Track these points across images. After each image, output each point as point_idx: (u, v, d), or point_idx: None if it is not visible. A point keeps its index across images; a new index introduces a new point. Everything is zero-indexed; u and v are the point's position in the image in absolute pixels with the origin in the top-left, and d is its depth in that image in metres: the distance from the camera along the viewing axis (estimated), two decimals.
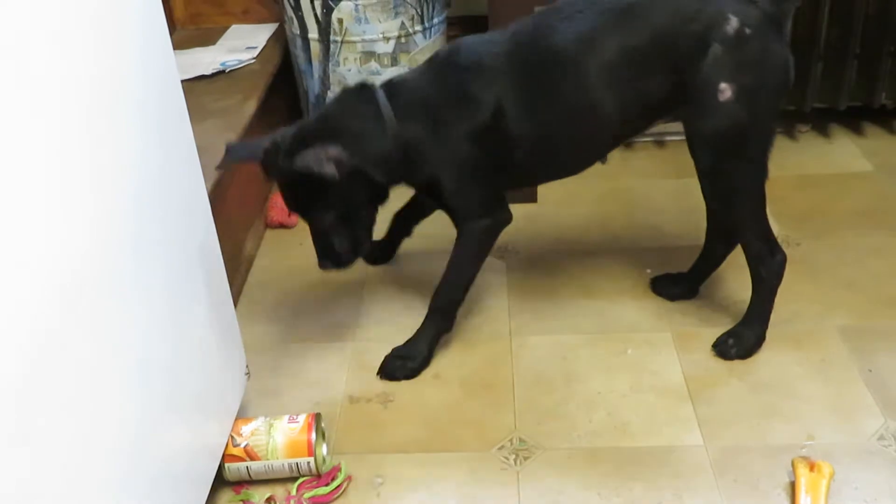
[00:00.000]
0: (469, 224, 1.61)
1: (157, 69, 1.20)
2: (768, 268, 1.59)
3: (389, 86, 1.57)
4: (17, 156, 0.84)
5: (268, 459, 1.42)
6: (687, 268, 1.82)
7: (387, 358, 1.66)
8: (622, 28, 1.47)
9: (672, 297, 1.80)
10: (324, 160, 1.43)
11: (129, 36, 1.11)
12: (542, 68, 1.51)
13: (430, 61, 1.60)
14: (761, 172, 1.53)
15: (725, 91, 1.43)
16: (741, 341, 1.64)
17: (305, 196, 1.52)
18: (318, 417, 1.46)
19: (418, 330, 1.67)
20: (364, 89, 1.56)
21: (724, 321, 1.72)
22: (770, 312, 1.64)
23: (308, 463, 1.43)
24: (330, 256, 1.58)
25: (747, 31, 1.42)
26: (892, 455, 1.42)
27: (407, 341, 1.67)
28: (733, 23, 1.42)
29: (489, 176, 1.57)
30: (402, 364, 1.64)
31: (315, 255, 1.59)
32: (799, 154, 2.34)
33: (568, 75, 1.50)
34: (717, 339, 1.66)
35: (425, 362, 1.66)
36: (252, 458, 1.41)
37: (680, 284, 1.81)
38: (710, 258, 1.77)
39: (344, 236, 1.56)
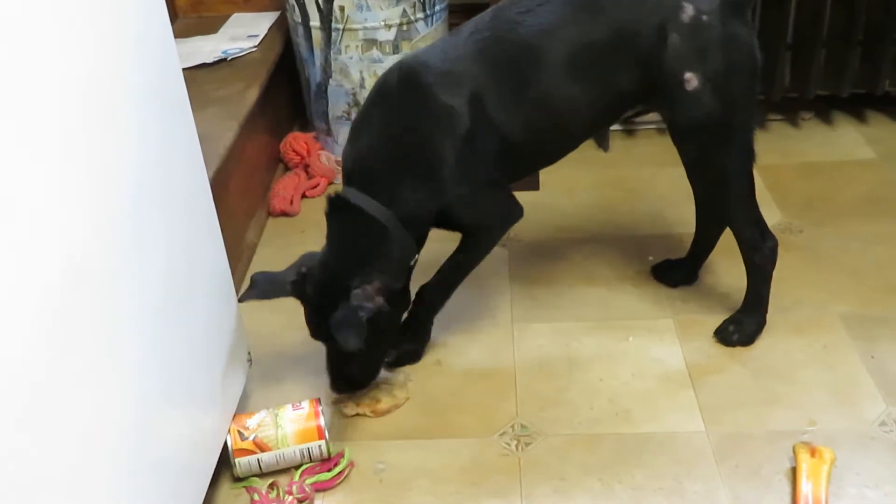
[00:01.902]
0: (483, 231, 1.57)
1: (158, 57, 1.20)
2: (762, 254, 1.59)
3: (361, 178, 1.46)
4: (17, 145, 0.84)
5: (279, 449, 1.42)
6: (689, 272, 1.82)
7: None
8: (584, 22, 1.44)
9: (674, 284, 1.81)
10: (372, 296, 1.41)
11: (130, 24, 1.11)
12: (511, 64, 1.45)
13: (385, 97, 1.48)
14: (748, 158, 1.52)
15: (691, 80, 1.42)
16: (742, 328, 1.64)
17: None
18: (321, 401, 1.47)
19: (413, 316, 1.63)
20: (344, 206, 1.45)
21: (726, 308, 1.72)
22: (767, 297, 1.64)
23: (319, 447, 1.43)
24: (350, 381, 1.54)
25: (704, 17, 1.40)
26: (894, 441, 1.42)
27: (406, 328, 1.64)
28: (688, 10, 1.40)
29: (491, 177, 1.50)
30: (408, 353, 1.64)
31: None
32: (802, 141, 2.33)
33: (536, 69, 1.45)
34: (719, 326, 1.67)
35: (424, 343, 1.67)
36: (262, 450, 1.41)
37: (680, 270, 1.82)
38: (705, 240, 1.77)
39: (369, 359, 1.53)
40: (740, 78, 1.46)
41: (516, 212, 1.58)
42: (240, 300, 1.46)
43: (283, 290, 1.47)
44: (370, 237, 1.44)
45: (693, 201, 1.73)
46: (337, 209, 1.47)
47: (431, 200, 1.47)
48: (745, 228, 1.58)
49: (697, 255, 1.80)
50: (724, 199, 1.57)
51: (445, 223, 1.54)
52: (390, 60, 2.18)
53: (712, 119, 1.46)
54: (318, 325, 1.46)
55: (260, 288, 1.48)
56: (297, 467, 1.44)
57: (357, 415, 1.54)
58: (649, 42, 1.42)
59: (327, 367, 1.53)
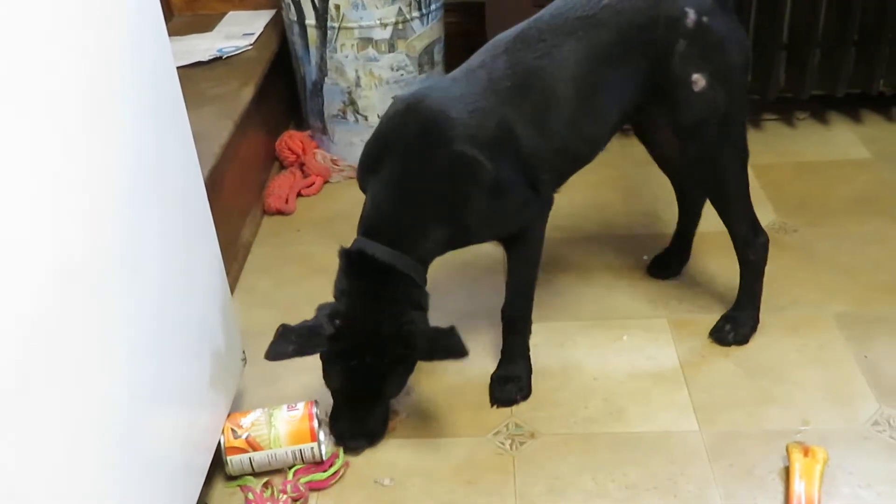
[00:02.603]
0: (520, 237, 1.53)
1: (152, 56, 1.20)
2: (755, 250, 1.61)
3: (385, 231, 1.41)
4: (10, 144, 0.84)
5: (271, 448, 1.42)
6: (683, 252, 1.85)
7: (493, 386, 1.58)
8: (601, 54, 1.44)
9: (672, 275, 1.84)
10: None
11: (124, 23, 1.11)
12: (537, 110, 1.42)
13: (406, 149, 1.41)
14: (744, 152, 1.56)
15: (699, 81, 1.45)
16: (737, 326, 1.65)
17: (378, 377, 1.43)
18: (316, 404, 1.46)
19: (506, 345, 1.59)
20: (370, 263, 1.39)
21: (720, 307, 1.72)
22: (761, 294, 1.65)
23: (312, 448, 1.43)
24: (367, 435, 1.48)
25: (705, 19, 1.44)
26: (887, 440, 1.42)
27: (502, 361, 1.60)
28: (691, 15, 1.44)
29: (516, 193, 1.46)
30: (514, 386, 1.57)
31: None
32: (797, 141, 2.34)
33: (563, 112, 1.44)
34: (714, 326, 1.67)
35: (530, 373, 1.59)
36: (255, 449, 1.41)
37: (673, 260, 1.85)
38: (689, 221, 1.81)
39: (385, 411, 1.49)
40: (738, 71, 1.50)
41: (548, 204, 1.54)
42: (272, 358, 1.35)
43: (321, 344, 1.38)
44: (404, 290, 1.41)
45: (676, 198, 1.76)
46: (362, 265, 1.41)
47: (457, 242, 1.47)
48: (741, 224, 1.59)
49: (685, 239, 1.83)
50: (724, 196, 1.58)
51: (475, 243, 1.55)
52: (386, 59, 2.18)
53: (715, 116, 1.49)
54: (364, 375, 1.42)
55: (296, 343, 1.36)
56: (290, 467, 1.44)
57: None
58: (660, 53, 1.45)
59: (339, 426, 1.47)
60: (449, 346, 1.38)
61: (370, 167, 1.46)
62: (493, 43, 1.49)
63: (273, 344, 1.36)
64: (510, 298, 1.57)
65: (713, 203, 1.63)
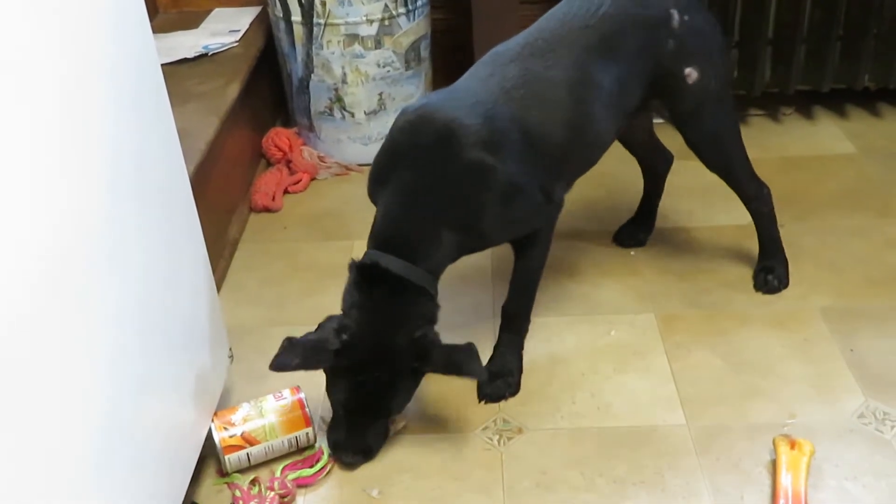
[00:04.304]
0: (532, 238, 1.54)
1: (135, 52, 1.19)
2: (764, 202, 1.74)
3: (398, 243, 1.39)
4: None
5: (267, 440, 1.42)
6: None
7: (482, 381, 1.56)
8: (605, 61, 1.49)
9: (637, 245, 1.91)
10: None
11: (106, 18, 1.10)
12: (550, 117, 1.46)
13: (421, 157, 1.41)
14: (737, 122, 1.69)
15: (691, 74, 1.56)
16: (777, 272, 1.76)
17: (386, 392, 1.41)
18: (300, 389, 1.47)
19: (501, 341, 1.60)
20: (383, 274, 1.38)
21: (706, 304, 1.73)
22: (780, 237, 1.77)
23: (307, 434, 1.44)
24: (364, 450, 1.45)
25: (686, 18, 1.55)
26: (872, 433, 1.43)
27: (494, 356, 1.59)
28: (675, 16, 1.54)
29: (530, 199, 1.47)
30: (504, 382, 1.56)
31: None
32: (782, 136, 2.35)
33: (577, 119, 1.48)
34: (755, 283, 1.77)
35: (521, 371, 1.59)
36: (251, 444, 1.41)
37: (640, 231, 1.93)
38: (653, 195, 1.92)
39: (384, 426, 1.47)
40: (720, 56, 1.64)
41: (557, 206, 1.54)
42: (276, 368, 1.34)
43: (327, 359, 1.37)
44: (417, 303, 1.40)
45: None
46: (376, 278, 1.39)
47: (469, 248, 1.48)
48: (748, 185, 1.71)
49: (650, 211, 1.93)
50: (729, 166, 1.69)
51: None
52: (372, 55, 2.18)
53: (709, 99, 1.60)
54: (372, 390, 1.40)
55: (302, 356, 1.35)
56: (278, 460, 1.44)
57: None
58: (653, 53, 1.54)
59: (337, 438, 1.44)
60: (463, 363, 1.38)
61: (381, 179, 1.45)
62: (496, 53, 1.52)
63: (278, 356, 1.35)
64: (512, 296, 1.59)
65: (720, 174, 1.70)
